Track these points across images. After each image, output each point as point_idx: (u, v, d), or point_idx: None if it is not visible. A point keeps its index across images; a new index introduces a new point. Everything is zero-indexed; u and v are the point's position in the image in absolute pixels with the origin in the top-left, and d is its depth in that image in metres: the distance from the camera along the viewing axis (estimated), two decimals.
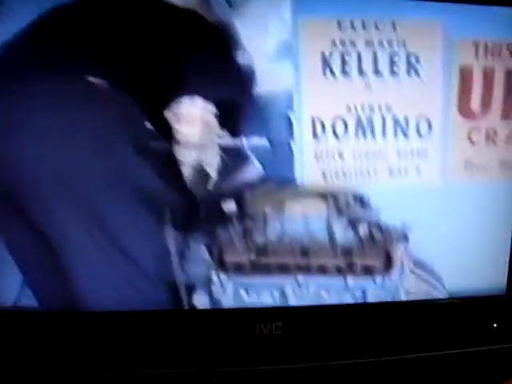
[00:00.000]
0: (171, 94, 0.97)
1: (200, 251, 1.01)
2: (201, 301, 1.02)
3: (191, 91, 0.97)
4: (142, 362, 0.96)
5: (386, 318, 1.04)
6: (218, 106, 0.99)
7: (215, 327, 0.98)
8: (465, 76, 1.03)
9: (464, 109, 1.04)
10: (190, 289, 1.02)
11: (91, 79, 0.93)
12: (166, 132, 0.98)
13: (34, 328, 0.96)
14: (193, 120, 0.98)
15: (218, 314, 1.03)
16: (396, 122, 1.03)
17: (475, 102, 1.04)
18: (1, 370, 0.93)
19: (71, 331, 0.96)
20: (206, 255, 1.01)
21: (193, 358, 0.96)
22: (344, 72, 1.01)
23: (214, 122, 0.98)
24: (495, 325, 1.06)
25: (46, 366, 0.94)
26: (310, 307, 1.03)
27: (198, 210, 1.01)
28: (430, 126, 1.04)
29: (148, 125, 0.97)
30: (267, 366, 0.98)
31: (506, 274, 1.10)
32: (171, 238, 1.00)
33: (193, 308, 1.02)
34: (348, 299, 1.05)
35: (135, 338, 0.96)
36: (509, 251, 1.08)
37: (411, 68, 1.01)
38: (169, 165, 1.00)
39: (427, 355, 1.02)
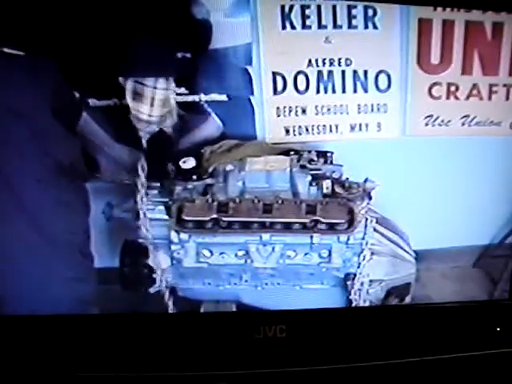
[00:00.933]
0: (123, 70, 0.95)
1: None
2: (162, 261, 0.99)
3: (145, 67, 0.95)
4: (147, 364, 0.93)
5: (390, 321, 1.04)
6: (175, 63, 0.97)
7: (220, 330, 0.97)
8: (424, 29, 1.02)
9: (424, 63, 1.04)
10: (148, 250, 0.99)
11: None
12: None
13: None
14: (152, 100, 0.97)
15: (222, 316, 1.02)
16: (356, 76, 1.02)
17: (435, 56, 1.04)
18: None
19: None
20: (165, 214, 0.98)
21: (197, 361, 0.94)
22: (304, 26, 1.00)
23: (173, 97, 0.97)
24: (498, 329, 1.06)
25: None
26: (315, 310, 1.03)
27: (156, 168, 0.99)
28: (389, 80, 1.03)
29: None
30: (271, 369, 0.96)
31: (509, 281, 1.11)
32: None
33: (197, 311, 1.01)
34: (315, 259, 1.04)
35: (141, 341, 0.94)
36: (476, 206, 1.09)
37: (369, 21, 1.01)
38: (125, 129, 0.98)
39: (431, 359, 1.01)
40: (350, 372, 0.99)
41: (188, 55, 0.97)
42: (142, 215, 0.97)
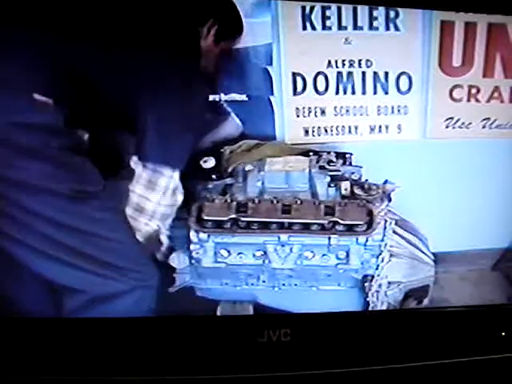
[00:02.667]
0: None
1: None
2: (180, 260, 0.99)
3: None
4: (149, 368, 0.93)
5: (394, 325, 1.02)
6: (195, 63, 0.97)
7: (224, 334, 0.96)
8: (446, 31, 1.02)
9: (445, 65, 1.03)
10: (169, 249, 0.99)
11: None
12: None
13: None
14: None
15: (226, 320, 1.02)
16: (376, 77, 1.02)
17: (457, 59, 1.03)
18: None
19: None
20: (184, 214, 0.99)
21: (200, 365, 0.93)
22: (325, 26, 1.00)
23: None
24: (503, 333, 1.04)
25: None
26: (319, 314, 1.02)
27: None
28: (410, 82, 1.03)
29: None
30: (275, 373, 0.95)
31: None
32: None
33: (201, 314, 1.01)
34: (332, 260, 1.03)
35: (143, 345, 0.93)
36: (495, 209, 1.08)
37: (390, 22, 1.00)
38: None
39: (436, 363, 1.00)
40: (354, 376, 0.98)
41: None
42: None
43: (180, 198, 0.98)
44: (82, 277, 0.92)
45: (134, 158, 0.95)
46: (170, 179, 0.95)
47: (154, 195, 0.95)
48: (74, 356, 0.91)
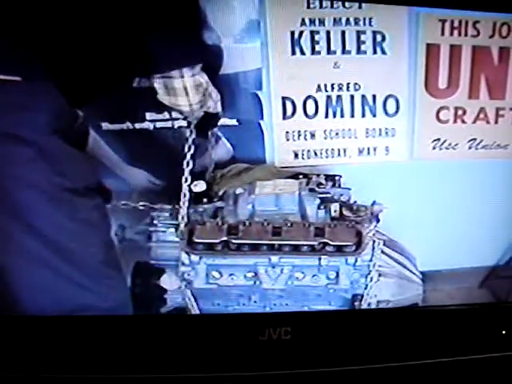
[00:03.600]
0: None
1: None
2: (171, 282, 1.01)
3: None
4: (151, 366, 0.94)
5: (395, 324, 1.04)
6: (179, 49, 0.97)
7: (224, 332, 0.97)
8: (431, 54, 1.04)
9: (432, 87, 1.05)
10: (159, 271, 1.00)
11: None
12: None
13: None
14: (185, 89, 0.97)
15: (226, 318, 1.02)
16: (364, 100, 1.04)
17: (443, 81, 1.05)
18: None
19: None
20: (175, 237, 1.00)
21: (202, 363, 0.94)
22: (314, 51, 1.01)
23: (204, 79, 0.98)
24: (504, 332, 1.06)
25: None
26: (320, 312, 1.03)
27: (167, 191, 1.00)
28: (397, 104, 1.05)
29: None
30: (276, 371, 0.96)
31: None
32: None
33: (201, 313, 1.01)
34: (322, 281, 1.05)
35: (146, 343, 0.94)
36: (482, 228, 1.10)
37: (377, 46, 1.02)
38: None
39: (437, 361, 1.01)
40: (354, 374, 0.99)
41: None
42: (153, 237, 0.99)
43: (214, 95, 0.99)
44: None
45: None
46: (182, 79, 0.96)
47: (180, 99, 0.97)
48: (79, 354, 0.92)
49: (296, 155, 1.05)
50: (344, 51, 1.02)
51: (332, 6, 1.00)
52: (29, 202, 0.91)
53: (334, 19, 1.00)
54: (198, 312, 1.03)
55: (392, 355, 1.00)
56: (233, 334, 0.97)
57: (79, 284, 0.93)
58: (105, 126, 0.98)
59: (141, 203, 0.99)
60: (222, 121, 1.00)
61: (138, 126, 0.98)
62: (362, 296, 1.07)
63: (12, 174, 0.90)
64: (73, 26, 0.90)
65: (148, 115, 0.98)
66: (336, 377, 0.99)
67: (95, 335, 0.93)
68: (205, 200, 1.01)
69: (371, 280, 1.06)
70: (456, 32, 1.03)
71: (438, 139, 1.08)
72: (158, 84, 0.96)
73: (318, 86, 1.03)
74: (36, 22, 0.88)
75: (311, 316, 1.03)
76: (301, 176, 1.05)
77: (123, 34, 0.92)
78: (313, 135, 1.04)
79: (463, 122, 1.08)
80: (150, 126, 0.98)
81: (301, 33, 1.00)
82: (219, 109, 1.01)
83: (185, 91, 0.96)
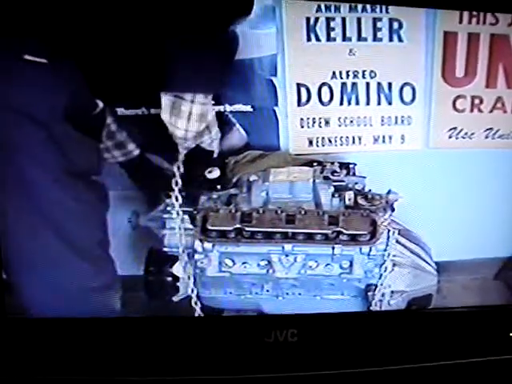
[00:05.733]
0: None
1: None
2: (184, 270, 1.00)
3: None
4: (156, 368, 0.94)
5: (402, 326, 1.03)
6: (201, 73, 0.98)
7: (230, 334, 0.96)
8: (449, 42, 1.03)
9: (449, 76, 1.04)
10: (173, 258, 1.00)
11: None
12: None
13: None
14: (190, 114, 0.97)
15: (233, 320, 1.02)
16: (380, 88, 1.03)
17: (460, 69, 1.04)
18: None
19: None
20: (189, 224, 0.99)
21: (206, 365, 0.94)
22: (329, 38, 1.00)
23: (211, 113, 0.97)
24: (511, 334, 1.05)
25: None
26: (326, 315, 1.02)
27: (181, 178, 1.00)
28: (413, 92, 1.04)
29: None
30: (282, 374, 0.96)
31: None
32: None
33: (207, 315, 1.01)
34: (336, 270, 1.04)
35: (149, 344, 0.94)
36: (498, 218, 1.08)
37: (394, 33, 1.01)
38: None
39: (443, 364, 1.01)
40: (361, 377, 0.99)
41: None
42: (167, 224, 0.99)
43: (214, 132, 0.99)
44: None
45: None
46: (192, 104, 0.95)
47: (180, 122, 0.96)
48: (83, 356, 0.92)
49: (310, 142, 1.04)
50: (360, 38, 1.01)
51: None
52: (34, 179, 0.92)
53: (350, 6, 0.99)
54: (199, 303, 1.02)
55: (399, 358, 0.99)
56: (239, 335, 0.96)
57: (73, 262, 0.94)
58: (120, 111, 0.97)
59: (154, 189, 0.99)
60: (237, 107, 1.00)
61: (153, 111, 0.97)
62: (376, 286, 1.05)
63: (23, 151, 0.91)
64: (107, 17, 0.90)
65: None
66: (342, 379, 0.98)
67: (98, 337, 0.93)
68: (218, 187, 1.01)
69: (385, 270, 1.05)
70: (474, 20, 1.02)
71: (455, 128, 1.07)
72: (166, 100, 0.95)
73: (333, 73, 1.02)
74: (68, 7, 0.89)
75: (317, 318, 1.02)
76: (315, 163, 1.04)
77: (157, 41, 0.92)
78: (327, 122, 1.03)
79: (480, 110, 1.07)
80: None
81: (316, 19, 1.00)
82: (214, 148, 1.01)
83: (188, 116, 0.96)
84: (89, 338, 0.93)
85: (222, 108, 0.99)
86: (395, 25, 1.01)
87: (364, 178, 1.04)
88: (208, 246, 1.00)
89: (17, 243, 0.93)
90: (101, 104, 0.96)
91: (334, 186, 1.03)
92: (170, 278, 1.01)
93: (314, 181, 1.03)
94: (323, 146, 1.04)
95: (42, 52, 0.89)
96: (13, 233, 0.93)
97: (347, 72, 1.02)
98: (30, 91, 0.90)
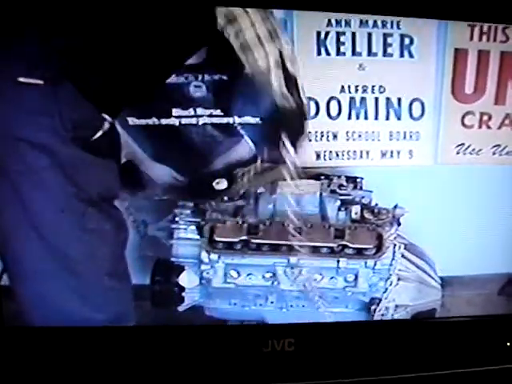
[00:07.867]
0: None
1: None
2: (190, 280, 1.01)
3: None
4: (154, 377, 0.94)
5: (400, 335, 1.03)
6: (211, 85, 0.98)
7: (227, 343, 0.96)
8: (459, 59, 1.03)
9: (458, 92, 1.04)
10: (179, 268, 1.00)
11: None
12: None
13: None
14: None
15: (230, 329, 1.02)
16: (389, 103, 1.03)
17: (469, 86, 1.04)
18: None
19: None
20: (196, 235, 1.00)
21: (204, 375, 0.94)
22: (339, 52, 1.01)
23: None
24: (509, 344, 1.05)
25: None
26: (323, 324, 1.03)
27: (189, 189, 1.00)
28: (422, 108, 1.04)
29: None
30: (280, 383, 0.96)
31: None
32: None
33: (204, 324, 1.02)
34: (340, 283, 1.04)
35: (148, 354, 0.93)
36: (503, 234, 1.08)
37: (405, 49, 1.01)
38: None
39: (441, 373, 1.01)
40: None
41: (225, 78, 0.99)
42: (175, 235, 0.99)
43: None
44: None
45: None
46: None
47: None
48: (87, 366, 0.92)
49: (318, 156, 1.04)
50: (370, 53, 1.01)
51: None
52: (40, 209, 0.88)
53: (361, 21, 1.00)
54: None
55: (397, 367, 0.99)
56: (236, 345, 0.96)
57: (79, 295, 0.91)
58: (131, 120, 0.98)
59: (164, 197, 1.00)
60: (246, 119, 1.00)
61: (164, 121, 0.97)
62: (380, 300, 1.06)
63: (27, 179, 0.87)
64: (98, 29, 0.88)
65: (174, 111, 0.97)
66: None
67: (101, 346, 0.93)
68: (226, 198, 1.01)
69: (391, 284, 1.05)
70: (485, 37, 1.02)
71: (463, 144, 1.07)
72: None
73: (342, 87, 1.02)
74: (60, 25, 0.86)
75: (314, 328, 1.02)
76: (322, 177, 1.04)
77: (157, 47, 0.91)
78: (335, 136, 1.04)
79: (488, 127, 1.07)
80: (176, 121, 0.98)
81: (327, 33, 1.00)
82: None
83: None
84: (91, 347, 0.93)
85: (230, 120, 1.00)
86: (406, 40, 1.01)
87: (371, 192, 1.05)
88: (214, 257, 1.00)
89: (22, 270, 0.90)
90: (108, 118, 0.91)
91: (341, 200, 1.04)
92: (175, 288, 1.01)
93: (320, 194, 1.03)
94: (330, 159, 1.04)
95: (36, 72, 0.85)
96: (18, 261, 0.90)
97: (356, 86, 1.02)
98: (27, 115, 0.86)
